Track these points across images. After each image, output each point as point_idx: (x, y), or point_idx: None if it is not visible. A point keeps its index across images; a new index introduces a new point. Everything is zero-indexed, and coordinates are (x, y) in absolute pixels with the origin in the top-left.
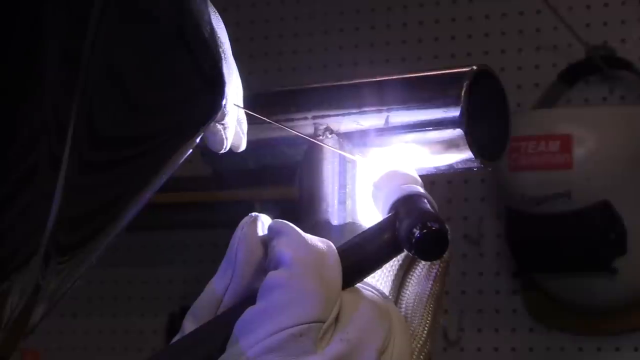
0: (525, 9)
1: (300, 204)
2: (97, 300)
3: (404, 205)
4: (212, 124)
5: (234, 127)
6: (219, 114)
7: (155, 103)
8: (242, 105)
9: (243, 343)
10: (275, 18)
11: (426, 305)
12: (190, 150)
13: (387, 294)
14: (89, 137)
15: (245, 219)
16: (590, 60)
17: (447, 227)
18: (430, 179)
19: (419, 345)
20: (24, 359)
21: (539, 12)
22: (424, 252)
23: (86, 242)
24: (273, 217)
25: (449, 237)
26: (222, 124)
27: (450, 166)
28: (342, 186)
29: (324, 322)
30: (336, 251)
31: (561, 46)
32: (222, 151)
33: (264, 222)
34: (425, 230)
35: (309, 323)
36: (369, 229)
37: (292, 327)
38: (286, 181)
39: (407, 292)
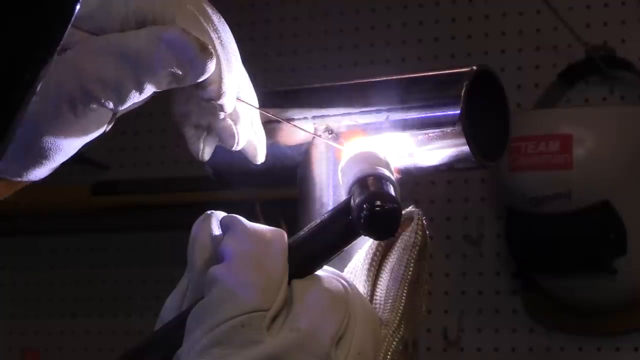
0: (525, 9)
1: (300, 204)
2: (97, 300)
3: (359, 187)
4: (223, 119)
5: (247, 125)
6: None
7: None
8: (259, 114)
9: (191, 338)
10: (275, 18)
11: (398, 291)
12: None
13: (363, 283)
14: None
15: (200, 217)
16: (590, 60)
17: (398, 206)
18: (430, 179)
19: (390, 331)
20: (25, 359)
21: (539, 12)
22: (372, 231)
23: None
24: (274, 217)
25: (405, 215)
26: (233, 119)
27: (450, 166)
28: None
29: (266, 311)
30: (285, 240)
31: (561, 46)
32: (235, 148)
33: (219, 219)
34: (376, 209)
35: (250, 313)
36: (325, 214)
37: (233, 318)
38: (286, 181)
39: (382, 279)
